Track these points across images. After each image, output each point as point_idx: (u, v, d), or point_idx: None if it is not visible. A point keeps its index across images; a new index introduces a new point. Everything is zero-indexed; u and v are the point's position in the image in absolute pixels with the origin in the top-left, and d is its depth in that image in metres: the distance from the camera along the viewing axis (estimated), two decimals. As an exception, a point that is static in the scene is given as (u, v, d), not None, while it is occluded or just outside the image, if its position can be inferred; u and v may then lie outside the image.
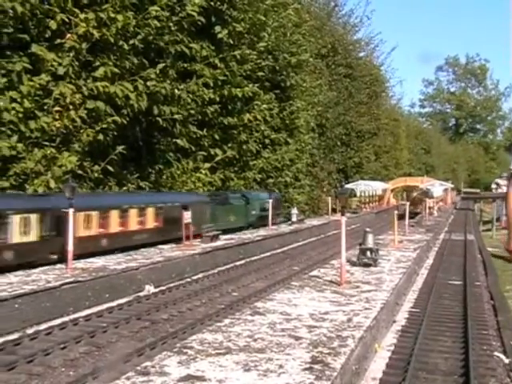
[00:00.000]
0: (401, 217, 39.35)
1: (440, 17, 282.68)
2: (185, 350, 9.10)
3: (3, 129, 19.11)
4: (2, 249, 15.52)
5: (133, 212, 21.30)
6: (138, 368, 8.32)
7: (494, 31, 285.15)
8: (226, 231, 27.67)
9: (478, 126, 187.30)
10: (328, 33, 56.32)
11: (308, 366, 8.47)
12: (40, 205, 17.41)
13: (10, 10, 18.94)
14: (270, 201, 33.20)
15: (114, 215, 20.18)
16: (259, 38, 34.33)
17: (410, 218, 30.67)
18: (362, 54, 69.16)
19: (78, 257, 18.03)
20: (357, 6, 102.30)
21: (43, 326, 13.06)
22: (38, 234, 16.81)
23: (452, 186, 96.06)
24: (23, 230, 16.20)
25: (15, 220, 15.97)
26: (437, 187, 70.70)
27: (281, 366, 8.41)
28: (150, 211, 22.38)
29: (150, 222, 22.41)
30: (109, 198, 21.54)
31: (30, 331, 12.62)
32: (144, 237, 22.10)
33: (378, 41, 74.79)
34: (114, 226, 20.13)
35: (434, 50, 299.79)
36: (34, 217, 16.61)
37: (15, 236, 15.91)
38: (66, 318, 13.87)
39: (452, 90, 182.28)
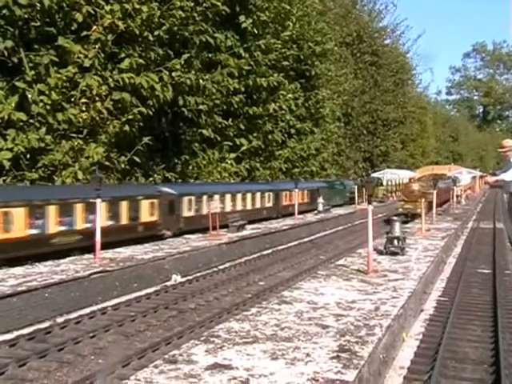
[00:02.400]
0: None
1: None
2: (212, 339, 9.12)
3: (32, 121, 19.36)
4: (260, 210, 30.48)
5: (300, 192, 35.41)
6: (166, 356, 8.37)
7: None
8: (333, 206, 40.91)
9: (507, 113, 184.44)
10: (353, 20, 55.87)
11: (335, 354, 8.43)
12: (270, 187, 32.26)
13: (38, 4, 19.12)
14: (356, 186, 45.22)
15: (294, 194, 34.18)
16: (284, 27, 34.23)
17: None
18: (387, 42, 68.53)
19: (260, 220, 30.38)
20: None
21: (73, 315, 13.26)
22: (271, 203, 31.91)
23: (480, 173, 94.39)
24: (266, 200, 30.83)
25: (266, 195, 31.36)
26: (464, 175, 69.68)
27: (308, 355, 8.38)
28: (306, 192, 37.26)
29: (306, 198, 37.27)
30: (287, 185, 34.73)
31: (60, 320, 12.83)
32: (303, 208, 35.93)
33: (403, 27, 74.11)
34: (293, 201, 34.06)
35: (461, 37, 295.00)
36: (269, 194, 31.56)
37: (265, 203, 30.95)
38: (94, 307, 14.05)
39: (479, 76, 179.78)
